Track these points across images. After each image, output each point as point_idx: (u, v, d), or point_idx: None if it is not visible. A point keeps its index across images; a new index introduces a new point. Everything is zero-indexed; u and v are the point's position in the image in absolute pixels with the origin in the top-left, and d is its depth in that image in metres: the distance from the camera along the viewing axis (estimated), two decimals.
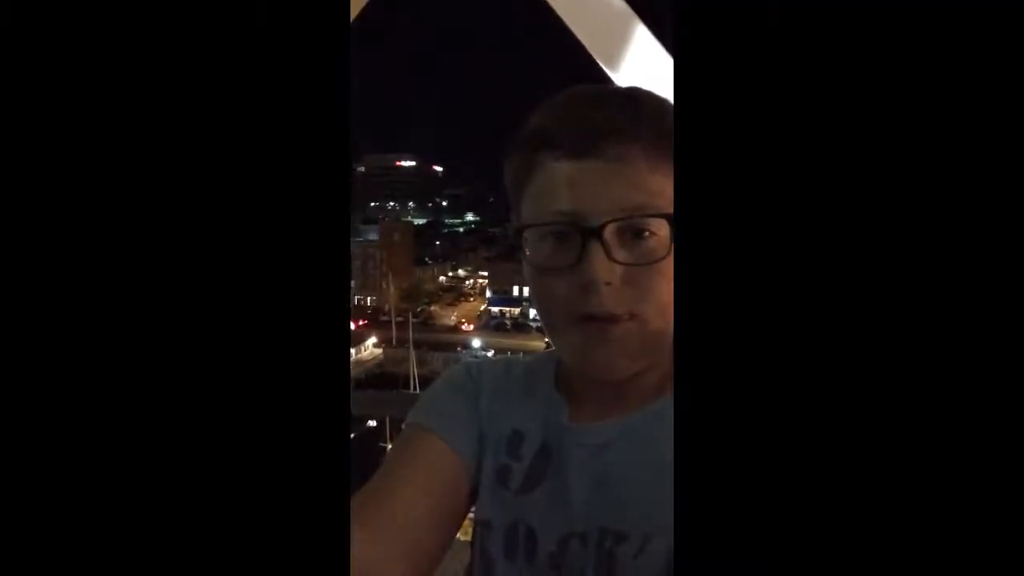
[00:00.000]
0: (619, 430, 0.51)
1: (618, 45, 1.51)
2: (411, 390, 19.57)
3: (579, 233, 0.47)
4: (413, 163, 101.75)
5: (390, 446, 0.64)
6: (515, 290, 46.49)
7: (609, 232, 0.47)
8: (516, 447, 0.56)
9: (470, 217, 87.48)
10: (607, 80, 1.52)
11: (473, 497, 0.57)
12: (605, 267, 0.46)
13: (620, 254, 0.47)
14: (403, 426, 0.59)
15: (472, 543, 0.57)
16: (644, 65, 1.51)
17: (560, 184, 0.49)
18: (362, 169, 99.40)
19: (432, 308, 49.22)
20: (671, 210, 0.46)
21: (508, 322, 43.01)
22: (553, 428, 0.55)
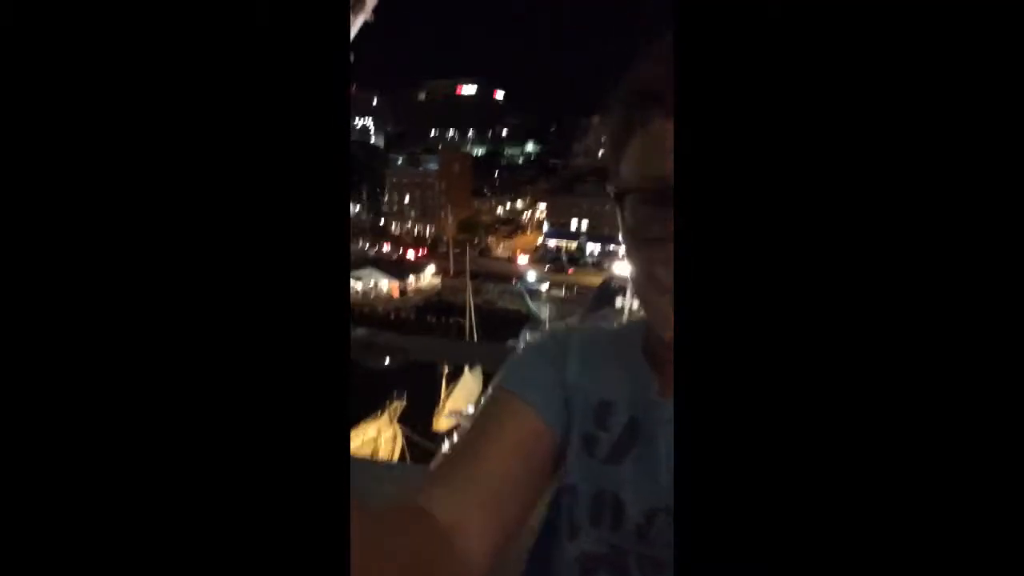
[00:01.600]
0: None
1: None
2: (466, 320, 20.19)
3: None
4: (474, 89, 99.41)
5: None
6: (573, 223, 46.01)
7: None
8: (604, 418, 0.55)
9: (530, 147, 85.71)
10: None
11: (557, 464, 0.56)
12: None
13: None
14: (490, 388, 0.59)
15: (552, 509, 0.58)
16: None
17: (663, 145, 0.44)
18: (423, 96, 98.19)
19: (490, 240, 49.65)
20: None
21: (565, 256, 42.91)
22: (642, 402, 0.54)
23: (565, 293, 29.39)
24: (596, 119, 52.91)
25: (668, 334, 0.49)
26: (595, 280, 31.72)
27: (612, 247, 40.19)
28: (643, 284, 0.49)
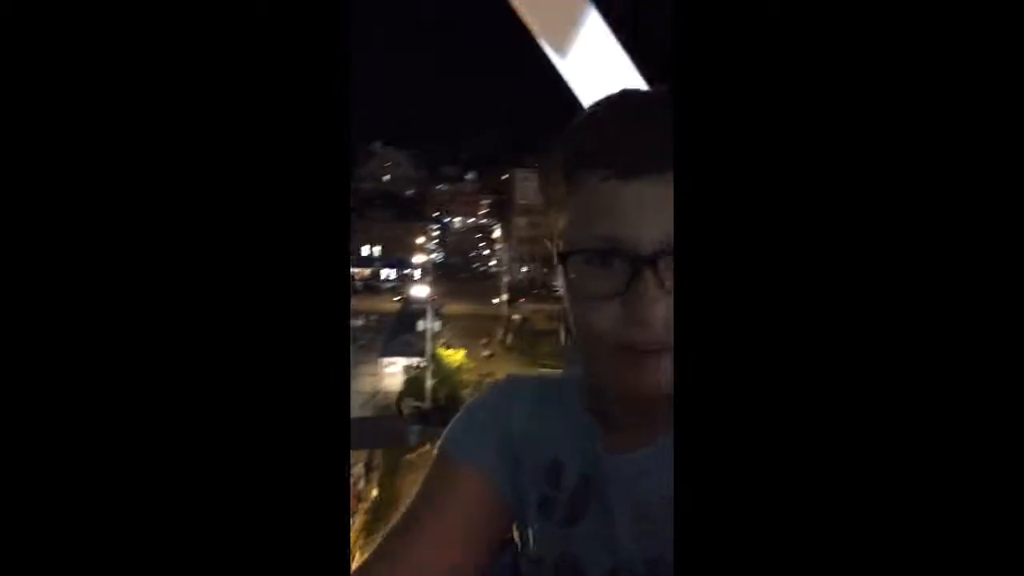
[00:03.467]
0: (655, 457, 0.49)
1: (568, 31, 1.40)
2: None
3: (629, 261, 0.44)
4: None
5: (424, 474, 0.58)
6: (364, 250, 44.67)
7: (662, 260, 0.44)
8: (556, 477, 0.54)
9: None
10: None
11: (509, 526, 0.56)
12: (657, 298, 0.44)
13: (671, 282, 0.44)
14: (435, 451, 0.57)
15: None
16: (594, 52, 1.41)
17: (608, 207, 0.45)
18: None
19: None
20: None
21: (360, 284, 41.38)
22: (590, 457, 0.53)
23: (363, 321, 28.18)
24: (378, 144, 52.50)
25: (613, 389, 0.50)
26: (392, 306, 31.05)
27: (408, 271, 39.99)
28: (588, 340, 0.48)
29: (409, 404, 17.79)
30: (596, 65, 1.37)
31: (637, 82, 1.34)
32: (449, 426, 0.59)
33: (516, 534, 0.57)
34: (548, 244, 0.51)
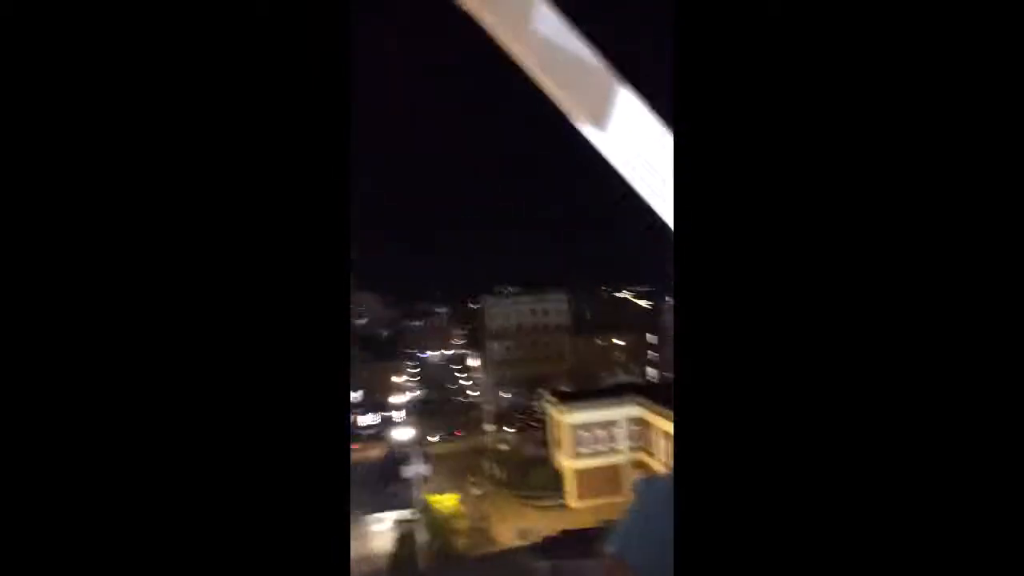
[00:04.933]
0: None
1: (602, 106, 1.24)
2: None
3: None
4: None
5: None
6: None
7: None
8: None
9: None
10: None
11: None
12: None
13: None
14: (605, 558, 0.59)
15: None
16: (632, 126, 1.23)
17: None
18: None
19: None
20: None
21: None
22: None
23: None
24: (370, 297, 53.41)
25: None
26: (377, 454, 29.88)
27: (391, 414, 38.89)
28: None
29: None
30: (634, 136, 1.21)
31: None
32: (614, 529, 0.64)
33: None
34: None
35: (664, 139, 1.15)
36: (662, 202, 1.10)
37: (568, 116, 1.19)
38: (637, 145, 1.16)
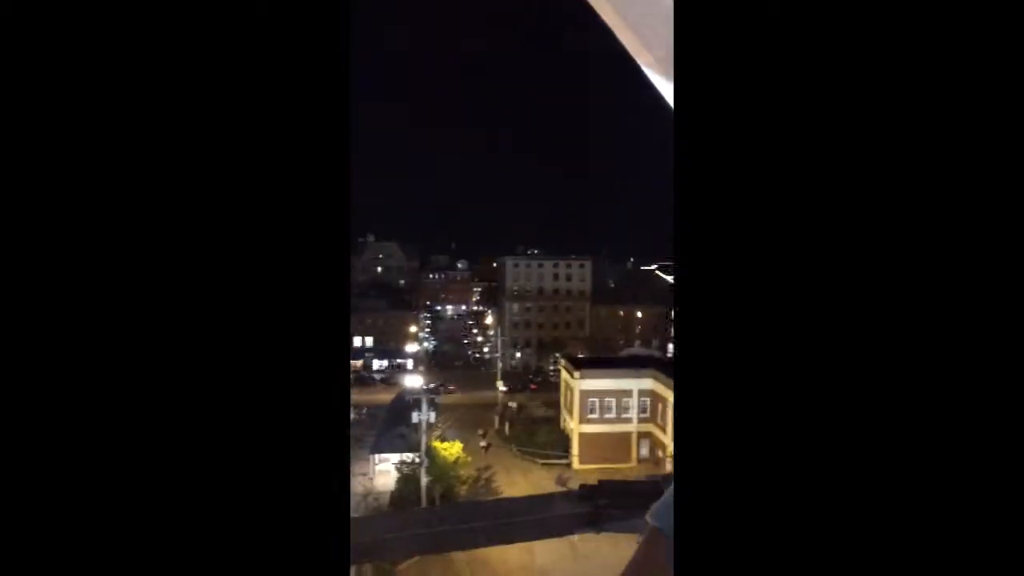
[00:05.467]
0: None
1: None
2: None
3: None
4: None
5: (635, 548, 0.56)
6: (356, 340, 44.14)
7: None
8: None
9: None
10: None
11: None
12: None
13: None
14: (645, 529, 0.56)
15: None
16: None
17: None
18: None
19: None
20: None
21: (351, 376, 40.38)
22: None
23: (354, 415, 27.18)
24: (371, 237, 53.43)
25: None
26: (386, 397, 30.17)
27: (399, 361, 39.29)
28: None
29: None
30: None
31: None
32: (660, 500, 0.57)
33: None
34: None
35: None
36: None
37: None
38: None
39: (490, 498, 16.22)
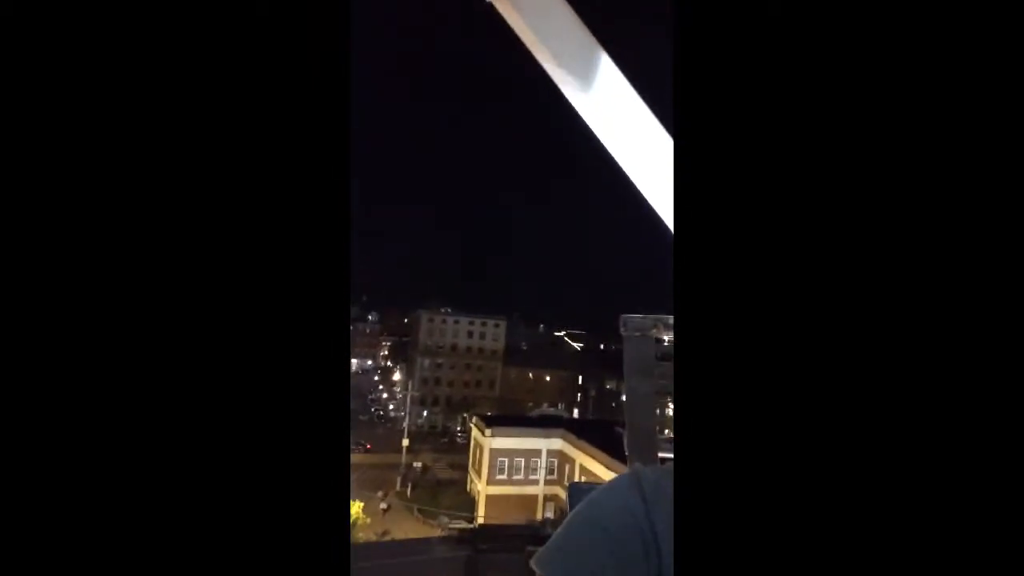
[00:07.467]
0: None
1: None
2: None
3: None
4: None
5: None
6: None
7: None
8: None
9: None
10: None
11: None
12: None
13: None
14: None
15: None
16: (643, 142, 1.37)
17: None
18: None
19: None
20: None
21: None
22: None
23: None
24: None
25: None
26: None
27: None
28: None
29: None
30: (614, 110, 1.33)
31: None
32: (555, 537, 0.50)
33: None
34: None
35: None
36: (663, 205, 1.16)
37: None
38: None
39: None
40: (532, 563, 0.48)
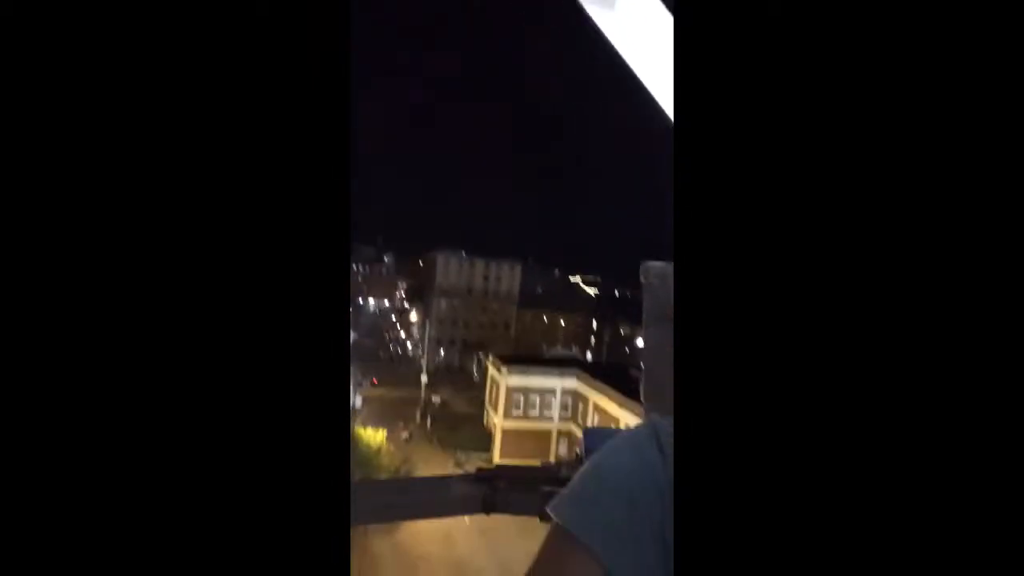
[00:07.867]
0: None
1: None
2: None
3: None
4: None
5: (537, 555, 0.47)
6: None
7: None
8: None
9: None
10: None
11: None
12: None
13: None
14: (551, 526, 0.49)
15: None
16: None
17: None
18: None
19: None
20: None
21: None
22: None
23: None
24: None
25: None
26: None
27: None
28: None
29: None
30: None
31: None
32: (574, 482, 0.50)
33: None
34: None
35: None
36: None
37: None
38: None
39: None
40: (549, 509, 0.49)
